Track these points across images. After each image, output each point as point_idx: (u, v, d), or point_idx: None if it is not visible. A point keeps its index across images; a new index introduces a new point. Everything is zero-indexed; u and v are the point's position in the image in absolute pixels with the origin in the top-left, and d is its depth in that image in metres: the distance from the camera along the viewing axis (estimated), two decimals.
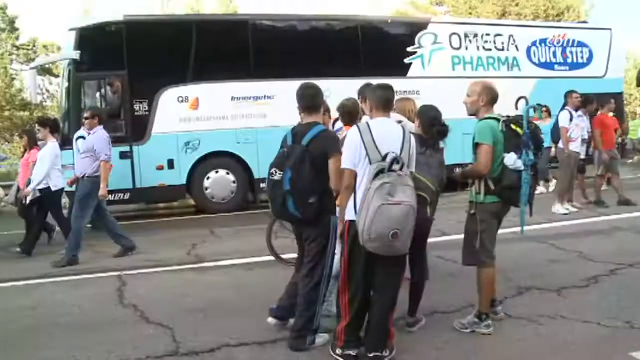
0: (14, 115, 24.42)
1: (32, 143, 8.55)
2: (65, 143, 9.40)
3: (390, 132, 3.69)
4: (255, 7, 27.92)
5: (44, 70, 24.14)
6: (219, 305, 5.27)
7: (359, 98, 5.15)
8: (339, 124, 6.32)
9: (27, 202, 7.90)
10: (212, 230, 9.27)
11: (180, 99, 11.14)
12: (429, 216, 4.26)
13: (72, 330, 4.74)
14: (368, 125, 3.68)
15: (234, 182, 11.49)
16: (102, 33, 10.89)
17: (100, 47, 10.79)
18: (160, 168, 11.03)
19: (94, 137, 7.48)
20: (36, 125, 8.34)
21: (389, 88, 3.87)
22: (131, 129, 10.87)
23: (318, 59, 11.57)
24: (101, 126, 7.65)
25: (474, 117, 4.36)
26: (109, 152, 7.49)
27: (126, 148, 10.75)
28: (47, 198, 7.91)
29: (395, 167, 3.44)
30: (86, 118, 7.70)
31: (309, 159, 3.86)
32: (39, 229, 8.28)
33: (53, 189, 7.86)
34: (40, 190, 7.81)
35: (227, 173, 11.47)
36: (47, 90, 27.99)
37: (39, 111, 26.42)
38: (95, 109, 8.69)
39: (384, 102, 3.81)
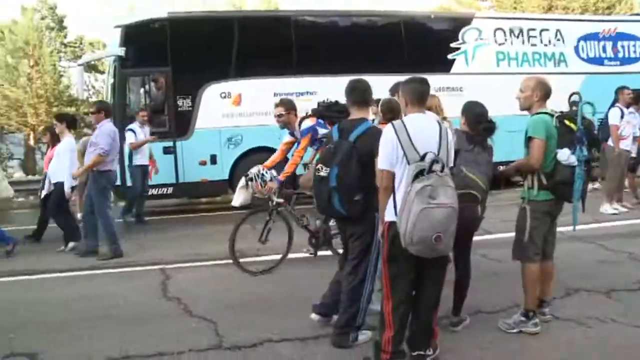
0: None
1: (55, 139, 8.44)
2: None
3: (426, 129, 3.52)
4: (295, 3, 27.94)
5: (90, 67, 24.74)
6: (261, 300, 5.30)
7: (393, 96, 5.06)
8: (306, 123, 6.25)
9: (42, 195, 7.91)
10: (254, 225, 9.30)
11: (223, 94, 11.20)
12: (480, 215, 4.19)
13: (118, 323, 4.82)
14: (403, 123, 3.52)
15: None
16: (146, 30, 11.04)
17: (145, 44, 10.92)
18: (203, 163, 11.11)
19: (98, 131, 7.34)
20: (54, 120, 8.25)
21: (422, 81, 3.69)
22: (175, 124, 10.98)
23: (361, 55, 11.43)
24: (108, 119, 7.48)
25: (526, 112, 4.26)
26: (107, 147, 7.18)
27: (170, 143, 10.89)
28: (55, 192, 7.81)
29: (436, 167, 3.30)
30: (92, 113, 7.54)
31: (356, 155, 3.82)
32: (66, 220, 8.12)
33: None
34: (54, 184, 7.77)
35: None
36: (93, 87, 28.69)
37: (86, 107, 27.10)
38: (101, 103, 8.52)
39: (418, 95, 3.63)
